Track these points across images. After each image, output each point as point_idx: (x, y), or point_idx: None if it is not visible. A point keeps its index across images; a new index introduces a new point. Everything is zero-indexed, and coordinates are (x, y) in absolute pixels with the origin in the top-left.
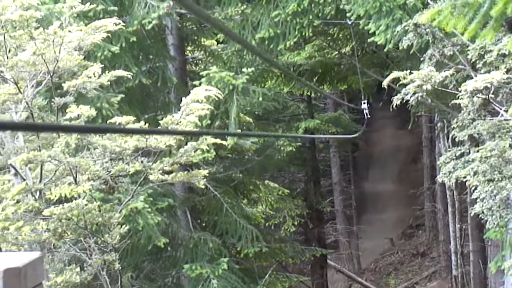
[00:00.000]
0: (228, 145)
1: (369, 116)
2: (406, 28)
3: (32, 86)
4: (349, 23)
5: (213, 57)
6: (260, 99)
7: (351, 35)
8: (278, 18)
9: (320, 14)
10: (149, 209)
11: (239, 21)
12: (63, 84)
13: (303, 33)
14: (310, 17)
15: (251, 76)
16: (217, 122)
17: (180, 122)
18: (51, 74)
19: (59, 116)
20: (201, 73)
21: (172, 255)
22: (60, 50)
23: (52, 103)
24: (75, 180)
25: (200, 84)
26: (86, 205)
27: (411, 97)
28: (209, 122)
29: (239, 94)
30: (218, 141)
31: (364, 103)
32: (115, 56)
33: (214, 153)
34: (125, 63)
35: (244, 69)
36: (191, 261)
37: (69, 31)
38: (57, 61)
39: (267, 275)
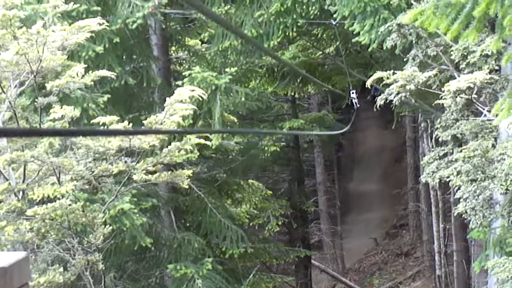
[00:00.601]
0: (212, 145)
1: (358, 106)
2: (390, 28)
3: (16, 86)
4: (334, 23)
5: (197, 57)
6: (243, 99)
7: (335, 35)
8: (261, 18)
9: (304, 14)
10: (135, 210)
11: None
12: (46, 84)
13: (287, 33)
14: (294, 16)
15: (234, 76)
16: (200, 122)
17: (164, 122)
18: (35, 74)
19: (42, 116)
20: (183, 73)
21: (156, 255)
22: (43, 49)
23: (36, 103)
24: (58, 180)
25: (183, 84)
26: (69, 205)
27: (394, 97)
28: (191, 122)
29: (222, 94)
30: (202, 141)
31: (352, 92)
32: (99, 56)
33: (198, 153)
34: (109, 63)
35: (227, 69)
36: (175, 261)
37: (53, 31)
38: (41, 60)
39: (251, 275)
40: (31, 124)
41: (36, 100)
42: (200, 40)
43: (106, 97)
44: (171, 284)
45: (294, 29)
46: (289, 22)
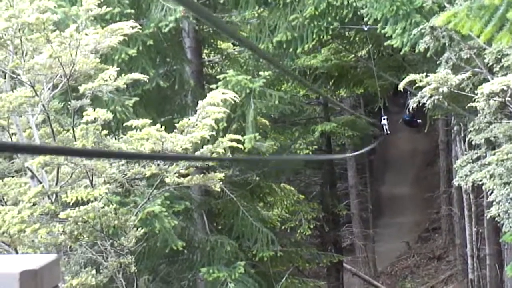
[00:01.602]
0: (244, 148)
1: (389, 132)
2: (423, 31)
3: (49, 89)
4: (365, 28)
5: (229, 60)
6: (277, 102)
7: (367, 39)
8: (295, 22)
9: (337, 17)
10: (166, 213)
11: (256, 25)
12: (79, 87)
13: (321, 37)
14: (328, 20)
15: (268, 79)
16: (233, 125)
17: (196, 125)
18: (68, 77)
19: (75, 119)
20: (218, 77)
21: (189, 258)
22: (76, 53)
23: (68, 106)
24: (91, 183)
25: (217, 87)
26: (102, 207)
27: (427, 100)
28: (225, 125)
29: (255, 97)
30: (234, 144)
31: (384, 119)
32: (132, 59)
33: (230, 156)
34: (142, 66)
35: (261, 72)
36: (208, 264)
37: (86, 34)
38: (74, 64)
39: (284, 278)
40: (64, 126)
41: (68, 103)
42: (232, 43)
43: (134, 100)
44: (203, 287)
45: (328, 32)
46: (323, 26)
